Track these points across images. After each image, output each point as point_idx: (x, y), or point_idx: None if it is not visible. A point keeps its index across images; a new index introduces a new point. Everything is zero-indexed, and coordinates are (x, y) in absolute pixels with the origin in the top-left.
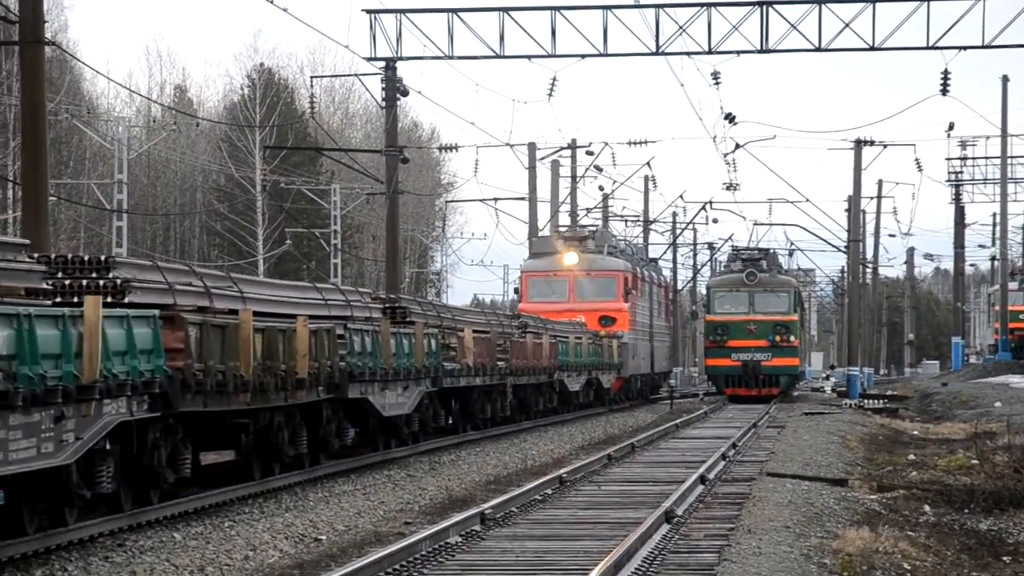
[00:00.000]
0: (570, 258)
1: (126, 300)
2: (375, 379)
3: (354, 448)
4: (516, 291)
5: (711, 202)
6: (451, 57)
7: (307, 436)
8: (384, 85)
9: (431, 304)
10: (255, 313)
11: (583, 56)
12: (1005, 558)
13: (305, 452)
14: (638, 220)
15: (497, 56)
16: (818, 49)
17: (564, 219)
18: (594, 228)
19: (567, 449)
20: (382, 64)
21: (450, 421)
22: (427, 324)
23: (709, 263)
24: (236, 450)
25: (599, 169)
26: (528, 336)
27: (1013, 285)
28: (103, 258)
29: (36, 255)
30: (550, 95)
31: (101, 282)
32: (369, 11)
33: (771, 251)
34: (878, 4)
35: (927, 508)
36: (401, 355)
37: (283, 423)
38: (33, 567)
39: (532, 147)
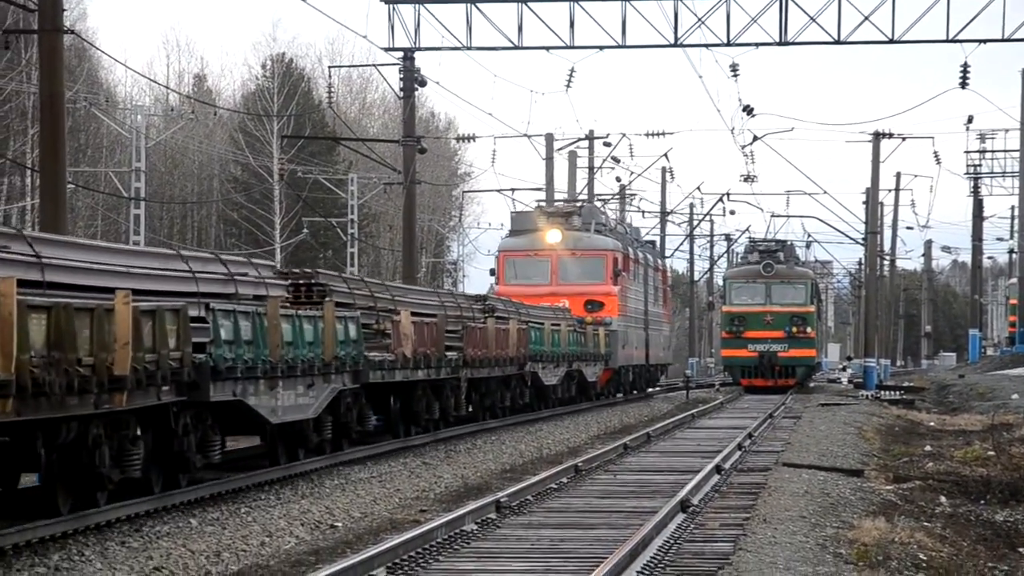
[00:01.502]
0: (552, 236)
1: None
2: (256, 375)
3: (243, 462)
4: (492, 272)
5: (728, 194)
6: (469, 48)
7: (157, 452)
8: (402, 75)
9: (363, 281)
10: (63, 286)
11: (601, 47)
12: (1021, 549)
13: (137, 475)
14: (640, 208)
15: (515, 47)
16: (837, 42)
17: None
18: (580, 203)
19: (582, 439)
20: (400, 54)
21: (378, 423)
22: (352, 305)
23: (726, 254)
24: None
25: (616, 160)
26: (489, 321)
27: None
28: None
29: None
30: (568, 86)
31: None
32: (388, 1)
33: (788, 243)
34: None
35: (943, 499)
36: (300, 344)
37: (103, 438)
38: (51, 551)
39: (549, 138)
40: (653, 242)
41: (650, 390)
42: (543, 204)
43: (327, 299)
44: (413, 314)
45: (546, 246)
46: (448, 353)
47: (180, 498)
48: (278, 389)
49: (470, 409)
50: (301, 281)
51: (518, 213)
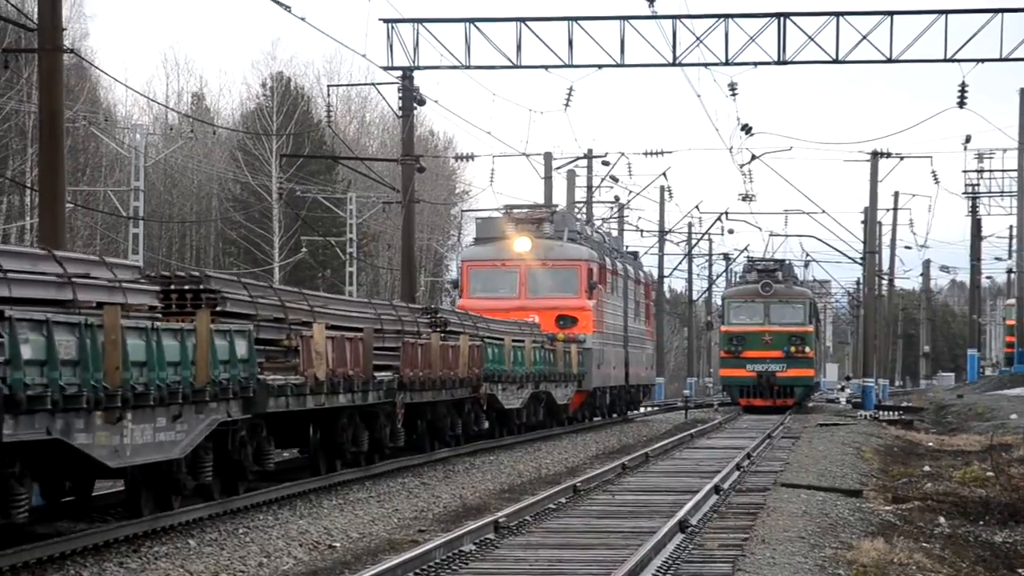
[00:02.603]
0: (521, 244)
1: None
2: (81, 406)
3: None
4: (455, 284)
5: (727, 213)
6: (468, 67)
7: None
8: (401, 94)
9: (271, 288)
10: None
11: (600, 66)
12: (1020, 570)
13: None
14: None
15: (514, 66)
16: (835, 61)
17: None
18: (553, 208)
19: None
20: (399, 73)
21: (303, 457)
22: (253, 316)
23: (724, 274)
24: None
25: (615, 179)
26: (433, 337)
27: None
28: None
29: None
30: (567, 105)
31: None
32: (386, 20)
33: (787, 262)
34: (896, 16)
35: (942, 520)
36: (157, 365)
37: None
38: (48, 572)
39: (548, 157)
40: (635, 253)
41: (631, 413)
42: (511, 209)
43: (216, 308)
44: (335, 328)
45: (514, 255)
46: (380, 374)
47: (175, 519)
48: (125, 423)
49: (410, 438)
50: (187, 287)
51: (483, 219)
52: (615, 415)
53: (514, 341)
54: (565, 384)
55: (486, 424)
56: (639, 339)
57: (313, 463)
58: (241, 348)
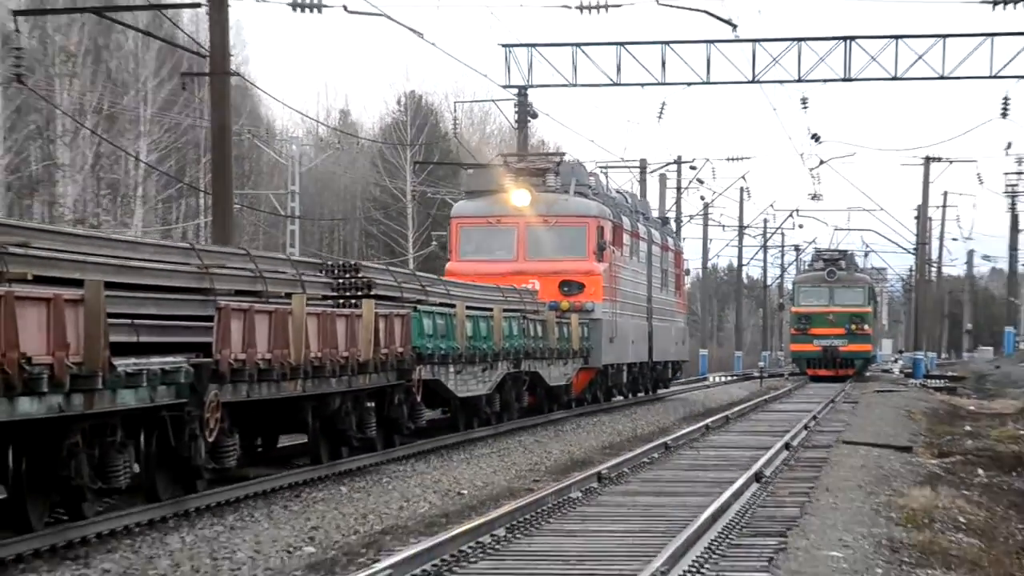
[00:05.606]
0: (520, 197)
1: None
2: None
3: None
4: (444, 245)
5: (798, 210)
6: (575, 85)
7: None
8: (516, 109)
9: None
10: None
11: (689, 84)
12: None
13: None
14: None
15: (614, 84)
16: (894, 78)
17: None
18: (559, 155)
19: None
20: (515, 90)
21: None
22: None
23: (795, 262)
24: None
25: (701, 182)
26: (296, 300)
27: None
28: None
29: None
30: (660, 117)
31: None
32: (504, 45)
33: (849, 252)
34: (948, 39)
35: (980, 471)
36: None
37: None
38: (226, 513)
39: (643, 162)
40: (666, 218)
41: (661, 391)
42: (510, 158)
43: None
44: (40, 280)
45: (511, 211)
46: (156, 360)
47: (329, 470)
48: None
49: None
50: None
51: (476, 170)
52: (641, 394)
53: (472, 309)
54: (563, 361)
55: (424, 420)
56: (667, 311)
57: (18, 511)
58: None
